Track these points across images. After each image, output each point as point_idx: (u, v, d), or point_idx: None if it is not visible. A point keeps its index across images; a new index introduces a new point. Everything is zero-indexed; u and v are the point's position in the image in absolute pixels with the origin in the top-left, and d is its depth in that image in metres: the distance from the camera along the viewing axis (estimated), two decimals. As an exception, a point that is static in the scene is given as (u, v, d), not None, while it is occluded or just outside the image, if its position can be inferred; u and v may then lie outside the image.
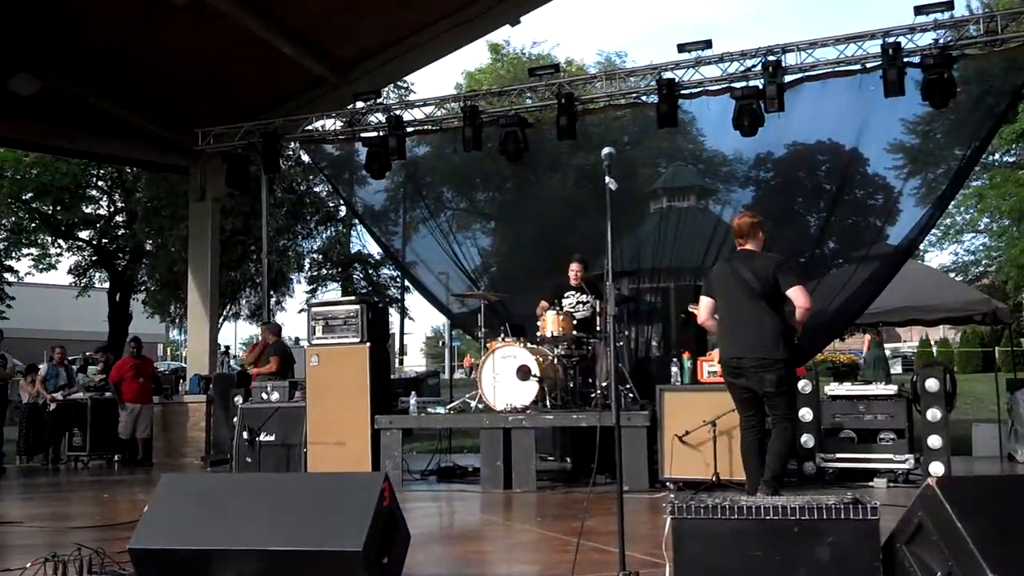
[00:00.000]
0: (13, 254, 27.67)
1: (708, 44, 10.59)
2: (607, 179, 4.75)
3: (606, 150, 4.86)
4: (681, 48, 10.62)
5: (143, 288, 26.63)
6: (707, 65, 10.75)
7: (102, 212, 27.47)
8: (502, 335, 9.55)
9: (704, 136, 13.65)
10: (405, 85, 26.43)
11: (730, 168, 13.06)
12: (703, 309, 6.60)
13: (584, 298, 9.73)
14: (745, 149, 11.69)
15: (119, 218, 26.98)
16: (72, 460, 13.11)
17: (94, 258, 27.81)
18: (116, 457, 13.12)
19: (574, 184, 16.24)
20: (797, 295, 6.15)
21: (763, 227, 6.62)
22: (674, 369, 8.47)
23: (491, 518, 7.29)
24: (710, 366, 8.15)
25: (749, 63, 10.53)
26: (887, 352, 23.28)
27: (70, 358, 15.17)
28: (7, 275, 28.04)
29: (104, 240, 27.34)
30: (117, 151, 15.08)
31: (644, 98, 11.43)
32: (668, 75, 10.74)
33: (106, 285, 28.03)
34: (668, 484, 8.03)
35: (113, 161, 21.63)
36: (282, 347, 12.47)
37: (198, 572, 4.31)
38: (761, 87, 10.22)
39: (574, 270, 9.83)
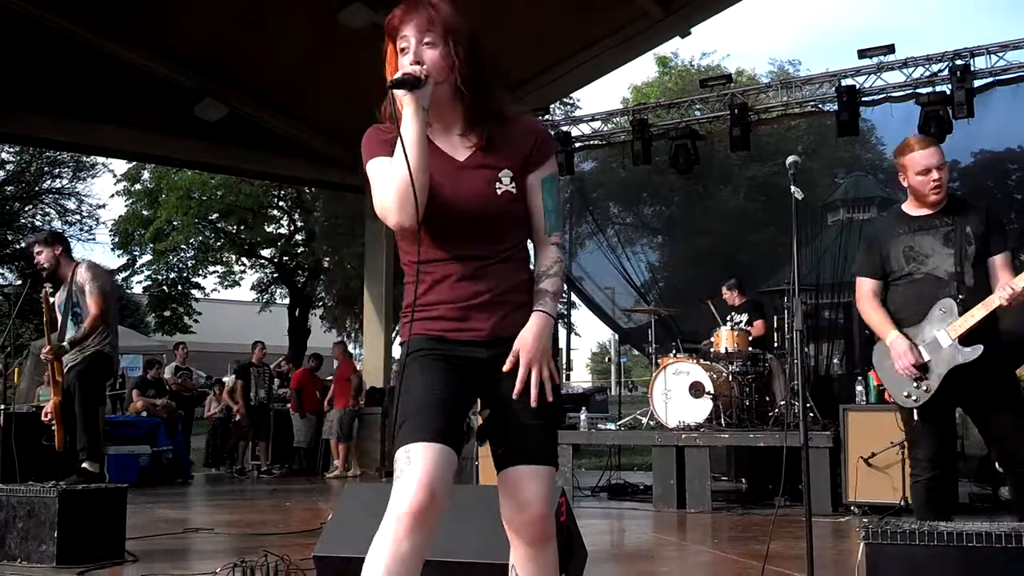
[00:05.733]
0: (200, 271, 29.27)
1: (891, 49, 10.20)
2: (793, 188, 4.52)
3: (791, 159, 4.64)
4: (862, 54, 10.24)
5: (321, 304, 27.62)
6: (889, 71, 10.33)
7: (282, 231, 28.75)
8: (673, 351, 9.38)
9: (884, 144, 13.18)
10: (571, 101, 26.50)
11: (913, 178, 12.52)
12: None
13: (739, 317, 9.53)
14: (930, 158, 11.18)
15: (298, 237, 28.15)
16: (254, 468, 13.61)
17: (275, 275, 29.12)
18: (292, 466, 13.52)
19: (745, 196, 15.92)
20: None
21: None
22: (859, 388, 8.06)
23: (665, 537, 7.11)
24: (898, 385, 7.72)
25: (935, 68, 10.06)
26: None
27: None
28: (194, 291, 29.69)
29: (284, 258, 28.59)
30: (298, 172, 15.64)
31: (822, 106, 11.02)
32: (848, 82, 10.36)
33: (286, 301, 29.28)
34: (852, 508, 7.66)
35: (294, 182, 22.53)
36: None
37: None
38: (949, 92, 9.74)
39: (726, 295, 9.79)
